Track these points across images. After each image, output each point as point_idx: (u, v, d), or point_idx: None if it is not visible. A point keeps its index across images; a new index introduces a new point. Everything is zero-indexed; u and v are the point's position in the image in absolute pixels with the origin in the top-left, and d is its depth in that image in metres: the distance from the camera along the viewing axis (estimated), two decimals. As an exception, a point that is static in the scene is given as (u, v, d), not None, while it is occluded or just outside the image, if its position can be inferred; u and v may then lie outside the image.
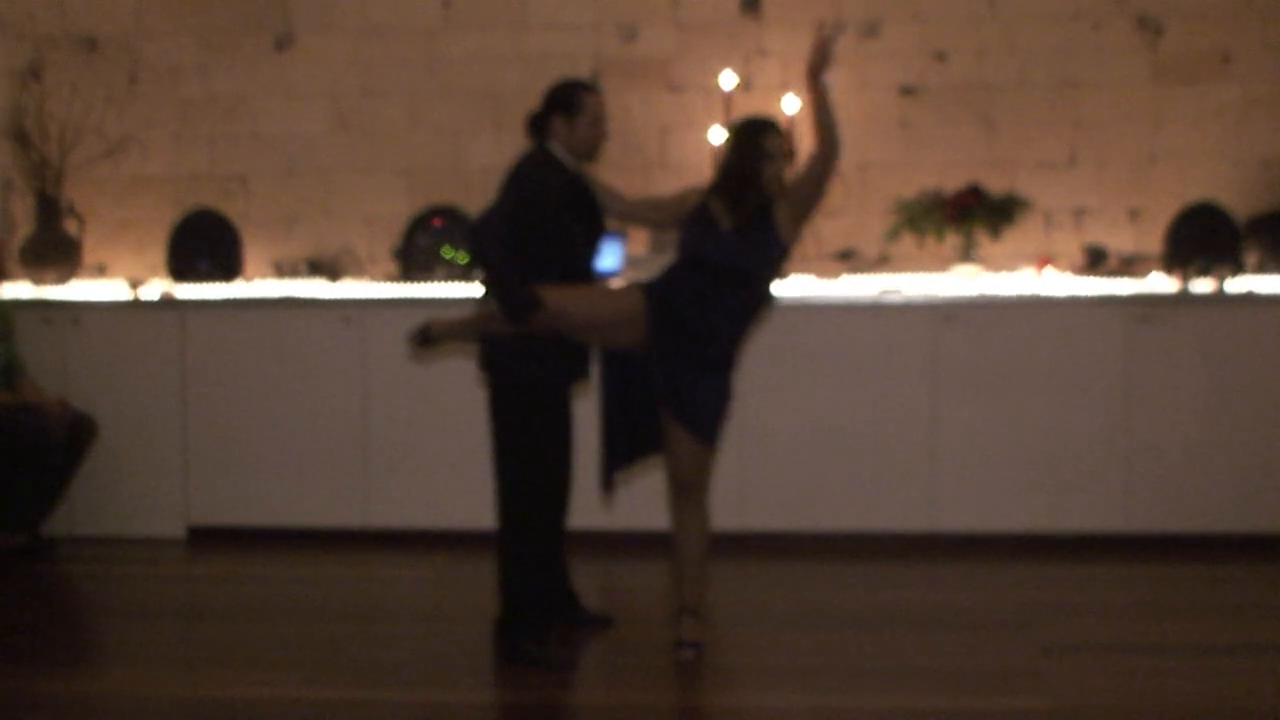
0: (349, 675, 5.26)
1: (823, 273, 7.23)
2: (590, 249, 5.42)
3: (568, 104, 5.35)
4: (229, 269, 7.46)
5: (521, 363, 5.29)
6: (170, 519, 7.14)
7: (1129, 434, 6.74)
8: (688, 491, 5.33)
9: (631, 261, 6.94)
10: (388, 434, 7.03)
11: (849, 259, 7.42)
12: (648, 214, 5.72)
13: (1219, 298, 6.72)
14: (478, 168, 7.60)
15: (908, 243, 7.36)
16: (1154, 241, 7.29)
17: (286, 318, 7.10)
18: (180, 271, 7.45)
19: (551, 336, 5.25)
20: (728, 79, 7.46)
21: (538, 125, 5.39)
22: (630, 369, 5.33)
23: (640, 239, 7.21)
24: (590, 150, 5.42)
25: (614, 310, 5.30)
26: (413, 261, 7.32)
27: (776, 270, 5.34)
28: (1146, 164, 7.47)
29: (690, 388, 5.25)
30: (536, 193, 5.23)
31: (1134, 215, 7.48)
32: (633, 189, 6.63)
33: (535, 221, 5.22)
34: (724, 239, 5.24)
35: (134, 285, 7.27)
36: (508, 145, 6.85)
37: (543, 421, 5.35)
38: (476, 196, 7.38)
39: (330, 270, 7.55)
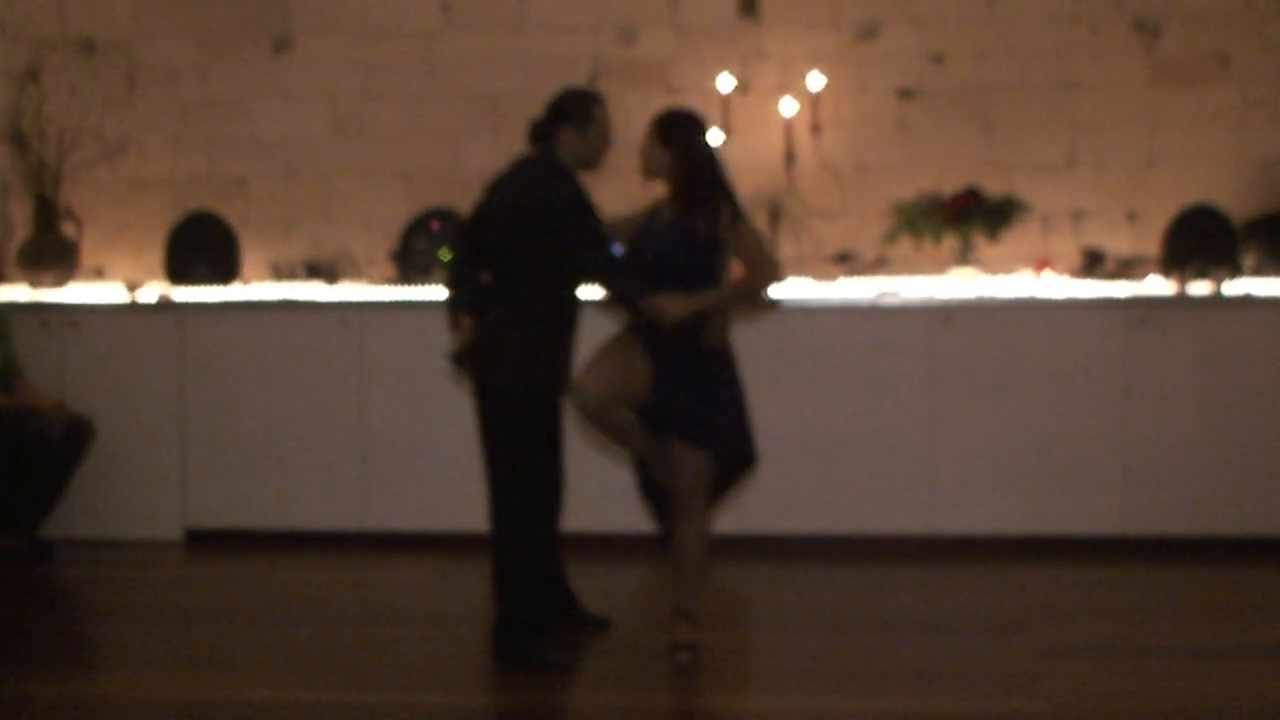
0: (347, 678, 5.25)
1: (820, 275, 7.23)
2: None
3: (580, 116, 5.33)
4: (227, 272, 7.45)
5: (510, 372, 5.27)
6: (168, 522, 7.14)
7: (1127, 436, 6.73)
8: (687, 500, 5.33)
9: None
10: (386, 436, 7.02)
11: (847, 261, 7.42)
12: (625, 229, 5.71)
13: (1217, 300, 6.72)
14: (476, 170, 7.56)
15: (905, 245, 7.36)
16: (1152, 244, 7.29)
17: (284, 320, 7.09)
18: (178, 274, 7.44)
19: (552, 345, 5.25)
20: (725, 82, 7.46)
21: (543, 133, 5.37)
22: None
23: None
24: (596, 160, 5.43)
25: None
26: (411, 264, 7.32)
27: (708, 263, 5.25)
28: (1144, 166, 7.47)
29: (685, 389, 5.25)
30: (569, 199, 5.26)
31: (1132, 217, 7.47)
32: (630, 192, 6.63)
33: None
34: (658, 231, 5.29)
35: (132, 288, 7.26)
36: (506, 148, 6.83)
37: (532, 427, 5.33)
38: (475, 199, 7.40)
39: (328, 273, 7.54)
